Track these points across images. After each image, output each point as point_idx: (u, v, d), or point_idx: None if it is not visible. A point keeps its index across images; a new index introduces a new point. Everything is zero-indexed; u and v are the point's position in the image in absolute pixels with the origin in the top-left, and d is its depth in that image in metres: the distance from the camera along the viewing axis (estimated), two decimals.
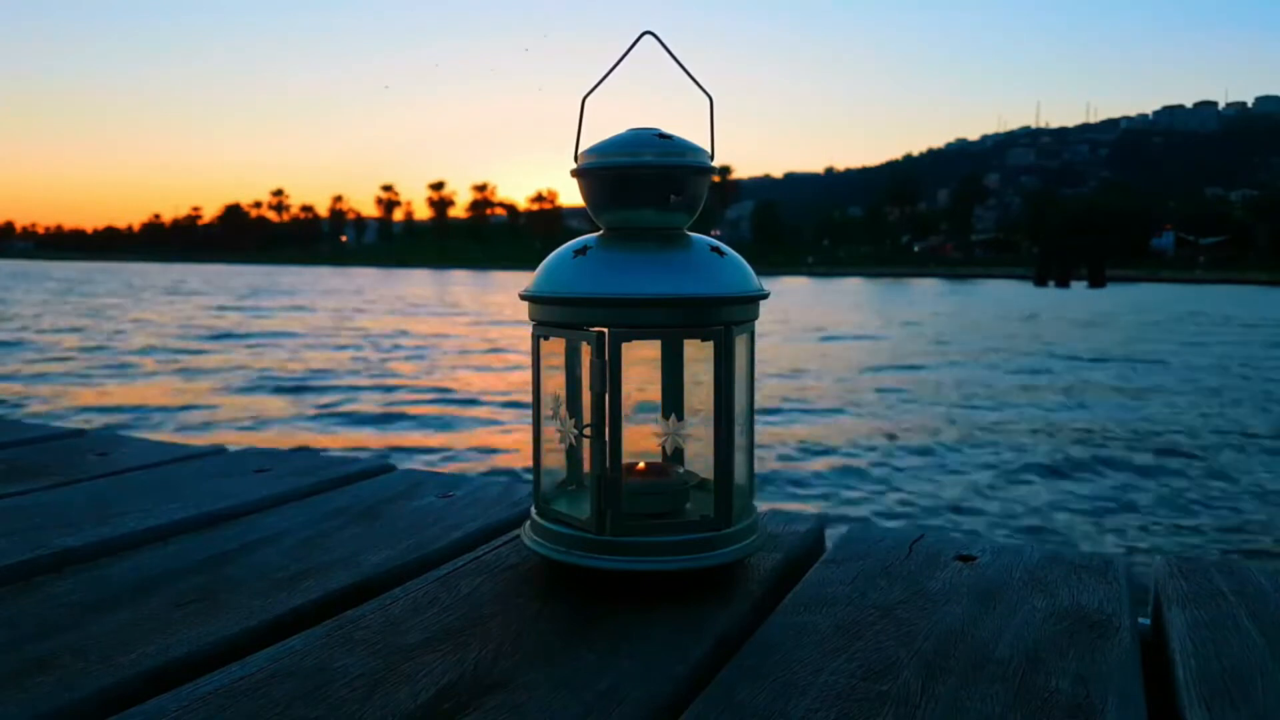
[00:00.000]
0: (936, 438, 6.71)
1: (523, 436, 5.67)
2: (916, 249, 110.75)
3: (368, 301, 25.72)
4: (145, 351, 11.90)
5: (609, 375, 0.65)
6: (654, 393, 0.76)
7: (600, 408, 0.65)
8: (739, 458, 0.69)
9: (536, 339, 0.70)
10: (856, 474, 5.58)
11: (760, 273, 0.71)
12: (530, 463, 0.73)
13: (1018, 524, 4.58)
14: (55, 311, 19.62)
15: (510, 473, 5.44)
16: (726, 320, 0.66)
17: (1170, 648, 0.59)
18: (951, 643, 0.59)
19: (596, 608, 0.64)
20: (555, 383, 0.73)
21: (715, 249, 0.69)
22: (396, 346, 13.08)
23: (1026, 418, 7.64)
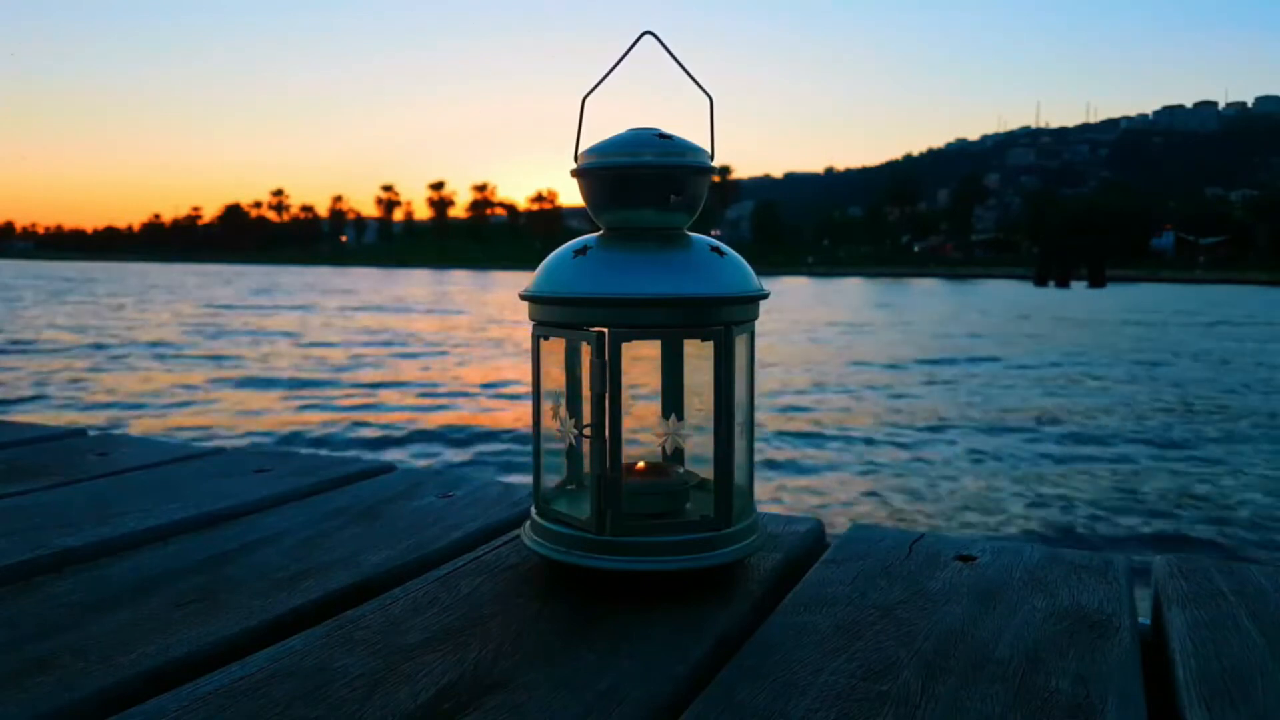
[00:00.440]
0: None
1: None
2: (916, 249, 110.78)
3: (363, 301, 25.73)
4: (145, 350, 11.90)
5: (609, 375, 0.65)
6: (654, 393, 0.76)
7: (600, 408, 0.65)
8: (739, 458, 0.69)
9: (536, 339, 0.70)
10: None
11: (760, 273, 0.71)
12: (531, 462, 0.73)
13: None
14: (57, 311, 19.62)
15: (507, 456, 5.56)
16: (726, 320, 0.66)
17: (1170, 648, 0.59)
18: (951, 643, 0.59)
19: (596, 608, 0.64)
20: (555, 382, 0.73)
21: (715, 249, 0.69)
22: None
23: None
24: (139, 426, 6.83)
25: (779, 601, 0.66)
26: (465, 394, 8.67)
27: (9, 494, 0.91)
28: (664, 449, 0.76)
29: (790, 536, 0.79)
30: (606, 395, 0.65)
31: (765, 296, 0.70)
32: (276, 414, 7.55)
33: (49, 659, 0.55)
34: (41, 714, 0.49)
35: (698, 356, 0.71)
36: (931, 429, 7.07)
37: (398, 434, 6.74)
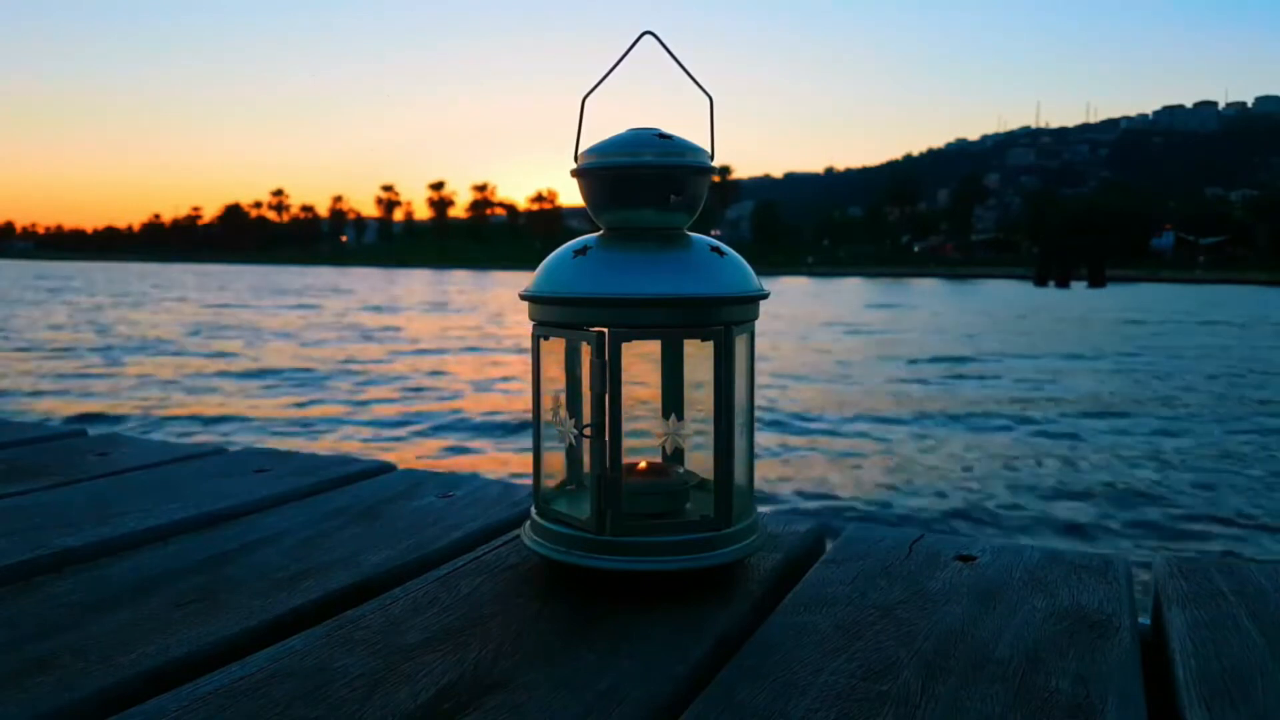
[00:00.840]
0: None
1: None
2: (916, 249, 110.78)
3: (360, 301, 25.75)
4: (145, 350, 11.90)
5: (609, 375, 0.65)
6: (654, 392, 0.76)
7: (600, 408, 0.65)
8: (739, 458, 0.69)
9: (536, 339, 0.70)
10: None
11: (760, 273, 0.71)
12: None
13: None
14: (58, 310, 19.62)
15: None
16: (726, 320, 0.66)
17: (1170, 648, 0.59)
18: (951, 643, 0.59)
19: (596, 608, 0.64)
20: (555, 383, 0.73)
21: (715, 249, 0.69)
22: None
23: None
24: (139, 427, 6.83)
25: (779, 601, 0.66)
26: (465, 394, 8.68)
27: (9, 494, 0.91)
28: (664, 449, 0.76)
29: (790, 536, 0.79)
30: (606, 395, 0.65)
31: (765, 296, 0.70)
32: (276, 414, 7.55)
33: (49, 659, 0.55)
34: (41, 714, 0.49)
35: (698, 356, 0.71)
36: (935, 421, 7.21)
37: (398, 433, 6.74)
